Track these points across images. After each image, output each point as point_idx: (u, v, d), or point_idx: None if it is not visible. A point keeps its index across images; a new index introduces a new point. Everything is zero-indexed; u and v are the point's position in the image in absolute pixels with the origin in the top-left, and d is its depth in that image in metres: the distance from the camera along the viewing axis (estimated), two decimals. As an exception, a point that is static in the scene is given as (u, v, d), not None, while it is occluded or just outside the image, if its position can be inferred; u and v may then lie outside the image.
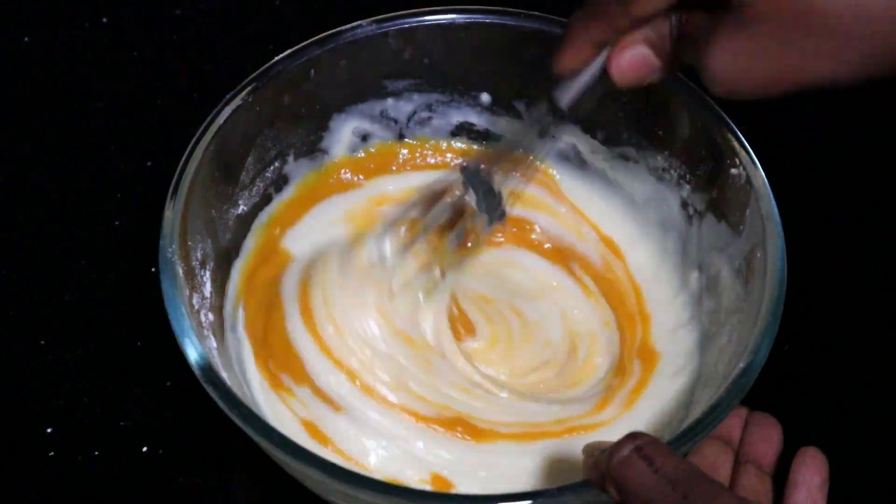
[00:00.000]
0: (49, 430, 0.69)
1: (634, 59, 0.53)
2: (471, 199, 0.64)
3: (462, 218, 0.66)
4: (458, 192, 0.65)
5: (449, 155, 0.76)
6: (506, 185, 0.64)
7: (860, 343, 0.73)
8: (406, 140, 0.75)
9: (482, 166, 0.64)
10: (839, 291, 0.75)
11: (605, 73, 0.55)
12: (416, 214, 0.67)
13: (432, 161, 0.76)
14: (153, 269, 0.74)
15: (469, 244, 0.67)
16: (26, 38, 0.89)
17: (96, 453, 0.68)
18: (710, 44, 0.48)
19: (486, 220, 0.64)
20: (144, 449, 0.68)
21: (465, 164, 0.64)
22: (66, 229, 0.78)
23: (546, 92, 0.59)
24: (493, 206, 0.64)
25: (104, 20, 0.91)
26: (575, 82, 0.57)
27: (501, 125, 0.75)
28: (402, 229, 0.66)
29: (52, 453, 0.68)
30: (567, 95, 0.58)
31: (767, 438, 0.60)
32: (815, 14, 0.44)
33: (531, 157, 0.64)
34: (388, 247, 0.66)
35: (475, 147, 0.76)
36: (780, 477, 0.57)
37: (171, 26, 0.91)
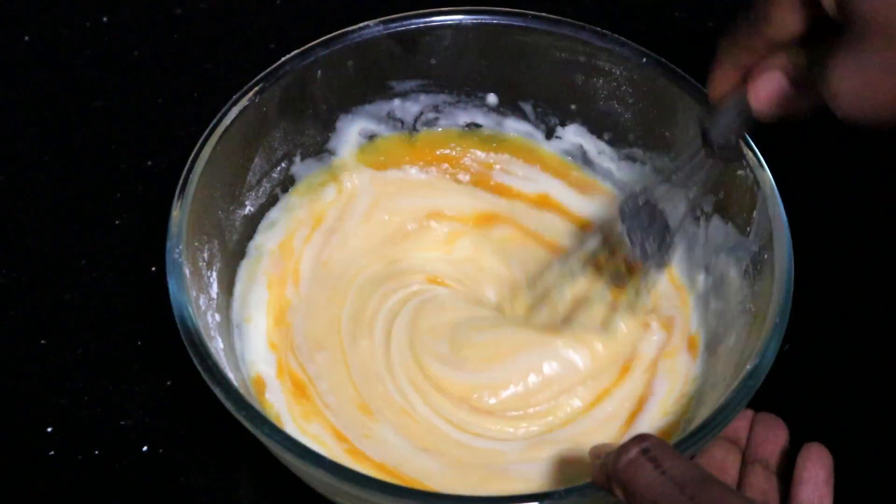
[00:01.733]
0: (49, 430, 0.69)
1: (770, 88, 0.53)
2: (627, 240, 0.61)
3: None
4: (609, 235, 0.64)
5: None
6: (670, 224, 0.61)
7: (862, 342, 0.73)
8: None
9: (643, 197, 0.62)
10: (839, 291, 0.75)
11: (747, 106, 0.55)
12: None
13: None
14: (154, 269, 0.75)
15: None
16: (26, 38, 0.89)
17: (96, 453, 0.68)
18: (831, 64, 0.46)
19: (649, 267, 0.63)
20: (144, 449, 0.68)
21: (626, 195, 0.62)
22: (66, 229, 0.78)
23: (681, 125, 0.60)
24: (655, 251, 0.61)
25: (104, 20, 0.91)
26: (722, 117, 0.57)
27: (508, 125, 0.75)
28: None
29: (52, 453, 0.68)
30: (717, 131, 0.57)
31: (774, 438, 0.60)
32: None
33: (691, 194, 0.62)
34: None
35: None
36: (788, 476, 0.57)
37: (171, 26, 0.91)
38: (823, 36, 0.49)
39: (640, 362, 0.66)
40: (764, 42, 0.52)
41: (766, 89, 0.53)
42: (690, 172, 0.61)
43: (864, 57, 0.45)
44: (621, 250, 0.64)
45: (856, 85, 0.46)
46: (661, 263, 0.62)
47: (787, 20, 0.51)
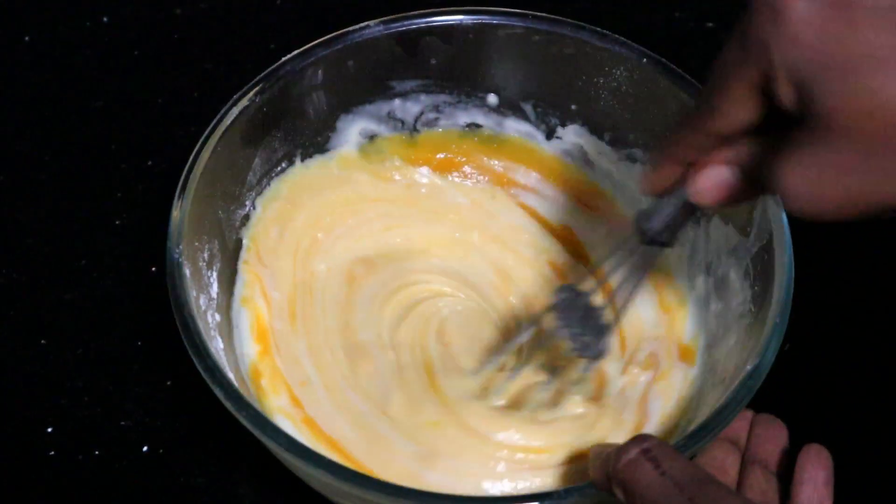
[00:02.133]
0: (49, 430, 0.69)
1: (714, 181, 0.51)
2: (563, 332, 0.60)
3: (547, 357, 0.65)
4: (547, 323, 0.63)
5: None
6: (605, 315, 0.60)
7: (862, 342, 0.73)
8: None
9: (577, 289, 0.61)
10: (839, 291, 0.75)
11: (687, 198, 0.53)
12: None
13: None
14: (154, 269, 0.75)
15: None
16: (26, 38, 0.89)
17: (96, 453, 0.68)
18: (780, 160, 0.45)
19: (584, 362, 0.61)
20: (144, 449, 0.68)
21: (560, 289, 0.61)
22: (66, 229, 0.78)
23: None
24: (591, 342, 0.60)
25: (104, 19, 0.91)
26: (660, 208, 0.56)
27: (509, 126, 0.75)
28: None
29: (53, 453, 0.68)
30: (652, 222, 0.56)
31: (773, 439, 0.60)
32: None
33: (629, 284, 0.61)
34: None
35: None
36: (788, 477, 0.57)
37: (171, 26, 0.91)
38: (773, 130, 0.47)
39: (629, 403, 0.65)
40: (711, 137, 0.50)
41: (709, 184, 0.51)
42: (624, 259, 0.60)
43: (818, 156, 0.43)
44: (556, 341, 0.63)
45: (806, 184, 0.44)
46: (598, 355, 0.60)
47: (739, 114, 0.48)
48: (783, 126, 0.46)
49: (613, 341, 0.64)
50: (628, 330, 0.69)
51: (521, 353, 0.67)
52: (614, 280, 0.62)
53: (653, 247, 0.58)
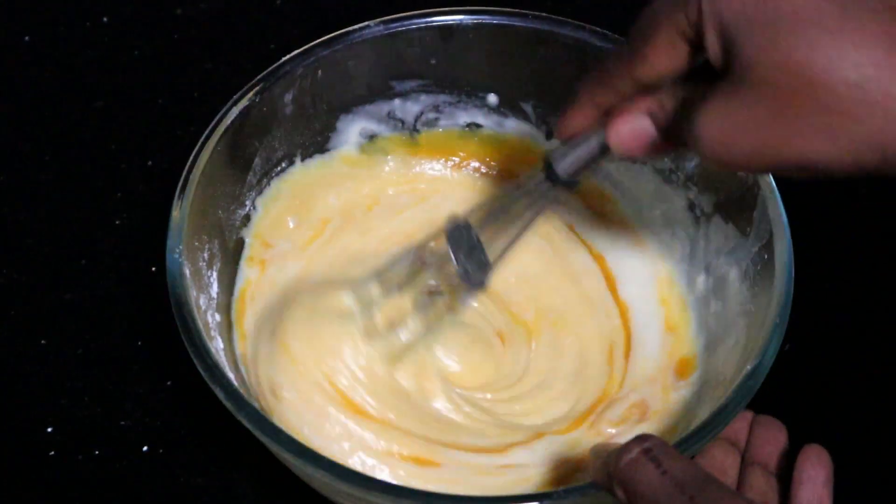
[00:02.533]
0: (49, 430, 0.69)
1: (633, 128, 0.52)
2: (453, 259, 0.62)
3: (439, 278, 0.65)
4: (439, 251, 0.63)
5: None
6: (493, 248, 0.61)
7: (862, 342, 0.73)
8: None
9: (468, 223, 0.62)
10: (839, 291, 0.75)
11: (604, 143, 0.54)
12: (399, 268, 0.66)
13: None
14: (154, 269, 0.75)
15: (445, 308, 0.65)
16: (26, 38, 0.89)
17: (96, 453, 0.68)
18: (699, 108, 0.46)
19: (465, 288, 0.62)
20: (145, 449, 0.68)
21: (452, 220, 0.62)
22: (66, 229, 0.78)
23: (545, 152, 0.58)
24: (475, 272, 0.61)
25: (104, 20, 0.91)
26: (574, 150, 0.56)
27: (509, 126, 0.75)
28: (378, 282, 0.65)
29: (53, 453, 0.68)
30: (565, 163, 0.56)
31: (773, 440, 0.60)
32: (817, 86, 0.42)
33: (523, 221, 0.61)
34: (355, 299, 0.65)
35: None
36: (787, 478, 0.57)
37: (171, 26, 0.91)
38: (693, 83, 0.49)
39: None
40: (632, 83, 0.51)
41: (628, 131, 0.52)
42: (532, 199, 0.60)
43: (734, 106, 0.45)
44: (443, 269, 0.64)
45: (721, 132, 0.46)
46: (480, 283, 0.62)
47: (665, 62, 0.49)
48: (703, 80, 0.47)
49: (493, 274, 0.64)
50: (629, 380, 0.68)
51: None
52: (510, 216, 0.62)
53: (558, 186, 0.58)
